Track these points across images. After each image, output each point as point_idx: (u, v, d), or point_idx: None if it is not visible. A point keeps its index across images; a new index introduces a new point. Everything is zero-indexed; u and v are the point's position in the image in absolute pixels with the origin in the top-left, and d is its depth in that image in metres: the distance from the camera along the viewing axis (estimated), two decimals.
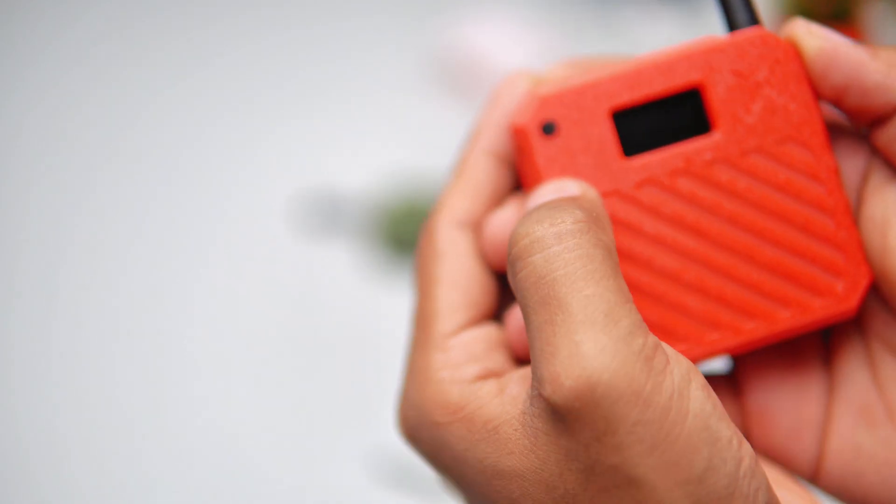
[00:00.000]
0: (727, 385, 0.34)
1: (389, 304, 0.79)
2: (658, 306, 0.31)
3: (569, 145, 0.31)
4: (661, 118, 0.31)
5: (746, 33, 0.31)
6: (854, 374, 0.33)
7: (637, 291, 0.31)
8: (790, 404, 0.33)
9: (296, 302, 0.80)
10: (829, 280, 0.31)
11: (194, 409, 0.75)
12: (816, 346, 0.34)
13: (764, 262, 0.31)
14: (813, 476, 0.34)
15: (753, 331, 0.31)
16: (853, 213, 0.32)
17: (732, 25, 0.32)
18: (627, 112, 0.31)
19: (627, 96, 0.31)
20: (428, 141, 0.89)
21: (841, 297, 0.31)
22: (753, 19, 0.32)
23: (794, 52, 0.31)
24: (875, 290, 0.33)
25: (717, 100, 0.31)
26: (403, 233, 0.80)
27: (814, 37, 0.31)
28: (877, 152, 0.32)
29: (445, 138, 0.89)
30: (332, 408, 0.74)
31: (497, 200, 0.32)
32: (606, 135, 0.31)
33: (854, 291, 0.31)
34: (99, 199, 0.88)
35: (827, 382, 0.33)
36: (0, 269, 0.84)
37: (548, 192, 0.30)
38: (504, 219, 0.31)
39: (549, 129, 0.31)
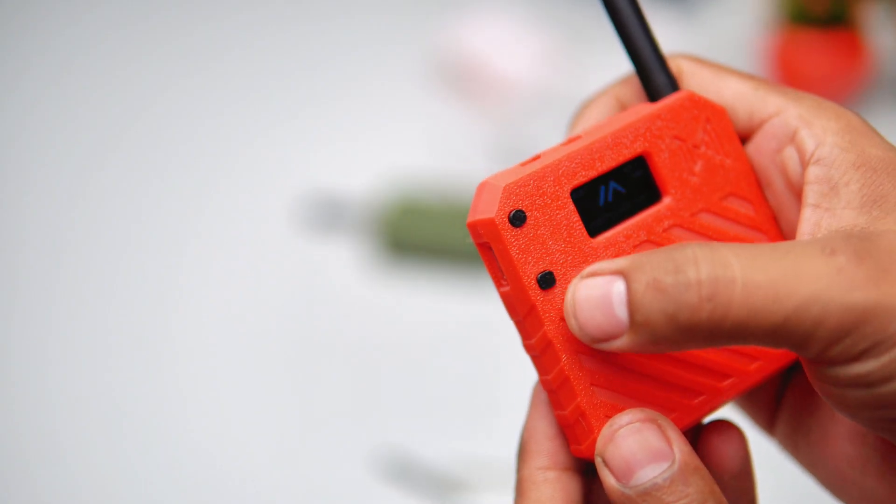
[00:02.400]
0: None
1: (390, 304, 0.79)
2: (647, 383, 0.31)
3: (539, 233, 0.30)
4: (615, 191, 0.32)
5: (678, 97, 0.32)
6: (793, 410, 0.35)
7: (624, 371, 0.31)
8: (735, 438, 0.34)
9: (297, 301, 0.80)
10: None
11: (195, 407, 0.75)
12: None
13: None
14: (769, 432, 0.36)
15: (730, 389, 0.32)
16: None
17: (655, 93, 0.33)
18: (585, 190, 0.31)
19: (583, 174, 0.31)
20: (430, 142, 0.89)
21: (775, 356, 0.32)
22: (673, 83, 0.33)
23: (720, 112, 0.32)
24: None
25: (664, 166, 0.32)
26: (405, 233, 0.80)
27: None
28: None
29: (447, 139, 0.89)
30: (332, 407, 0.74)
31: None
32: (570, 216, 0.31)
33: None
34: (101, 199, 0.88)
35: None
36: (0, 269, 0.84)
37: (643, 464, 0.29)
38: None
39: (517, 218, 0.30)
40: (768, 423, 0.36)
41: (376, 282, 0.81)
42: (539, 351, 0.31)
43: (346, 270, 0.81)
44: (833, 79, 0.87)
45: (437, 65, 0.95)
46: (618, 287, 0.28)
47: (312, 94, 0.94)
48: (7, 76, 0.97)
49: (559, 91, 0.91)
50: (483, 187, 0.31)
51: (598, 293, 0.28)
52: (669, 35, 0.93)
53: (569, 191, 0.31)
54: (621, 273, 0.28)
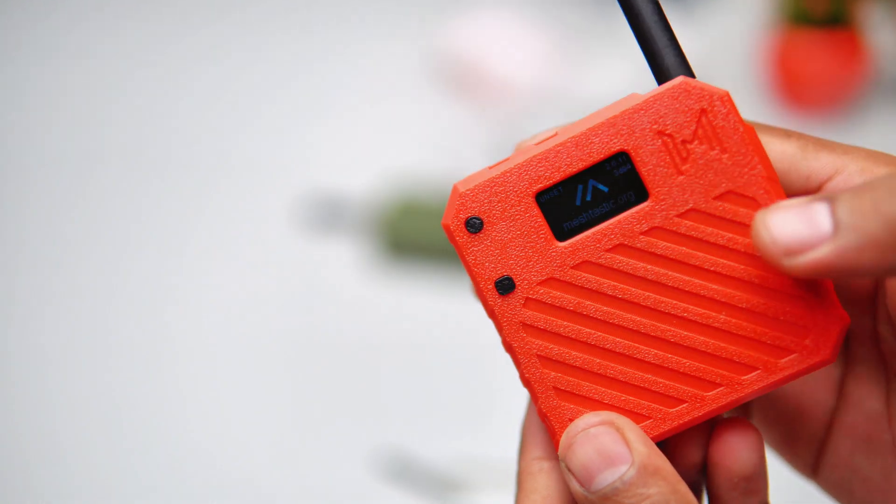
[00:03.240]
0: None
1: (390, 304, 0.79)
2: (616, 387, 0.30)
3: (497, 238, 0.30)
4: (588, 193, 0.30)
5: (668, 86, 0.29)
6: (865, 402, 0.32)
7: (591, 375, 0.30)
8: (790, 418, 0.33)
9: (297, 301, 0.80)
10: (795, 334, 0.29)
11: (195, 407, 0.75)
12: (835, 367, 0.33)
13: (720, 328, 0.30)
14: (810, 477, 0.34)
15: (717, 398, 0.30)
16: None
17: (659, 76, 0.30)
18: (552, 193, 0.30)
19: (550, 176, 0.30)
20: (430, 141, 0.89)
21: (812, 350, 0.29)
22: (681, 65, 0.30)
23: (720, 97, 0.29)
24: None
25: (644, 165, 0.30)
26: (405, 233, 0.80)
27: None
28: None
29: (447, 139, 0.89)
30: (332, 407, 0.74)
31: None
32: (534, 220, 0.30)
33: (825, 342, 0.29)
34: (100, 199, 0.88)
35: (832, 404, 0.33)
36: (0, 268, 0.84)
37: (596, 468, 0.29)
38: None
39: (473, 224, 0.30)
40: (811, 467, 0.34)
41: (376, 282, 0.81)
42: (506, 350, 0.31)
43: (346, 270, 0.81)
44: (833, 79, 0.87)
45: (437, 64, 0.95)
46: (818, 205, 0.27)
47: (312, 94, 0.94)
48: (7, 76, 0.97)
49: (559, 91, 0.91)
50: (453, 190, 0.31)
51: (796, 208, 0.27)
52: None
53: (533, 194, 0.30)
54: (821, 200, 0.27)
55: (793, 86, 0.88)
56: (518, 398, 0.74)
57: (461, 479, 0.69)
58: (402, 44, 0.97)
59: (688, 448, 0.32)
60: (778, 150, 0.30)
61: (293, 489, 0.70)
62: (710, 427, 0.32)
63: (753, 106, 0.90)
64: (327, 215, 0.84)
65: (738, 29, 0.94)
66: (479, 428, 0.72)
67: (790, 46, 0.87)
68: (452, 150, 0.88)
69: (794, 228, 0.27)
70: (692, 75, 0.30)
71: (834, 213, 0.27)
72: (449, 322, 0.77)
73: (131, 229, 0.86)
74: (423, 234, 0.80)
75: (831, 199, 0.27)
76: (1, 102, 0.95)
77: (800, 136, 0.31)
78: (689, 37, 0.93)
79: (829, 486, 0.34)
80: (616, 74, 0.91)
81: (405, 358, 0.76)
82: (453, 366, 0.76)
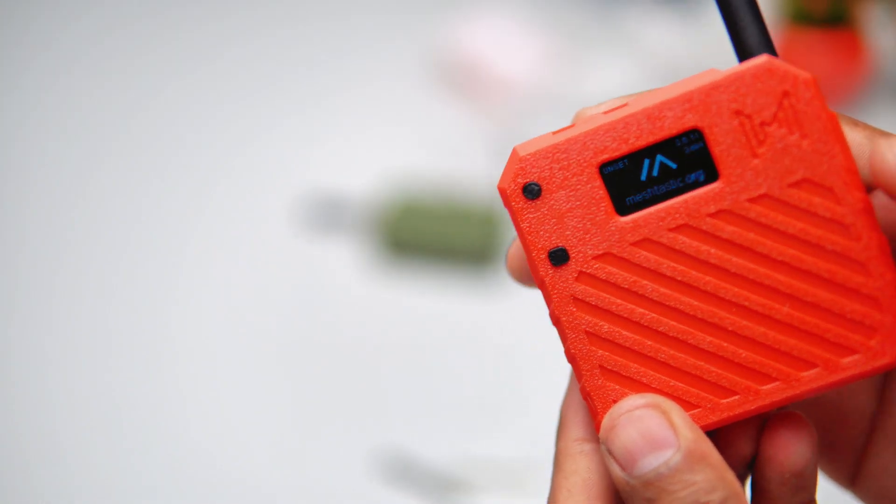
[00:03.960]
0: None
1: (390, 304, 0.79)
2: (665, 372, 0.29)
3: (555, 207, 0.29)
4: (655, 169, 0.29)
5: (751, 64, 0.28)
6: None
7: (640, 357, 0.29)
8: (830, 423, 0.32)
9: (297, 301, 0.80)
10: (861, 333, 0.28)
11: (195, 408, 0.75)
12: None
13: (782, 320, 0.28)
14: (848, 487, 0.33)
15: (772, 393, 0.29)
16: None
17: (741, 53, 0.29)
18: (617, 165, 0.29)
19: (616, 148, 0.29)
20: (430, 141, 0.89)
21: (876, 352, 0.28)
22: (766, 44, 0.29)
23: (806, 81, 0.28)
24: None
25: (718, 144, 0.28)
26: (405, 233, 0.80)
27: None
28: None
29: (447, 138, 0.89)
30: (332, 407, 0.74)
31: (610, 492, 0.29)
32: (596, 192, 0.29)
33: (891, 344, 0.28)
34: (100, 199, 0.88)
35: (871, 409, 0.32)
36: (0, 268, 0.84)
37: (643, 454, 0.27)
38: None
39: (531, 190, 0.29)
40: (849, 477, 0.33)
41: (376, 282, 0.81)
42: (554, 323, 0.30)
43: (346, 270, 0.81)
44: (833, 79, 0.87)
45: (438, 65, 0.95)
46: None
47: (313, 94, 0.94)
48: (7, 76, 0.97)
49: (559, 91, 0.90)
50: (512, 153, 0.29)
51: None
52: (670, 35, 0.93)
53: (597, 165, 0.29)
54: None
55: None
56: (518, 398, 0.74)
57: (461, 479, 0.68)
58: (402, 44, 0.97)
59: (737, 440, 0.30)
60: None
61: (293, 490, 0.70)
62: (762, 420, 0.31)
63: None
64: (327, 215, 0.84)
65: None
66: (480, 428, 0.72)
67: (790, 46, 0.87)
68: (452, 150, 0.88)
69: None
70: (775, 55, 0.29)
71: None
72: (449, 322, 0.77)
73: (131, 229, 0.86)
74: (424, 234, 0.80)
75: None
76: (1, 102, 0.95)
77: (866, 127, 0.30)
78: (690, 36, 0.93)
79: (868, 497, 0.32)
80: (616, 74, 0.91)
81: (405, 358, 0.76)
82: (454, 366, 0.76)
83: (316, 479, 0.71)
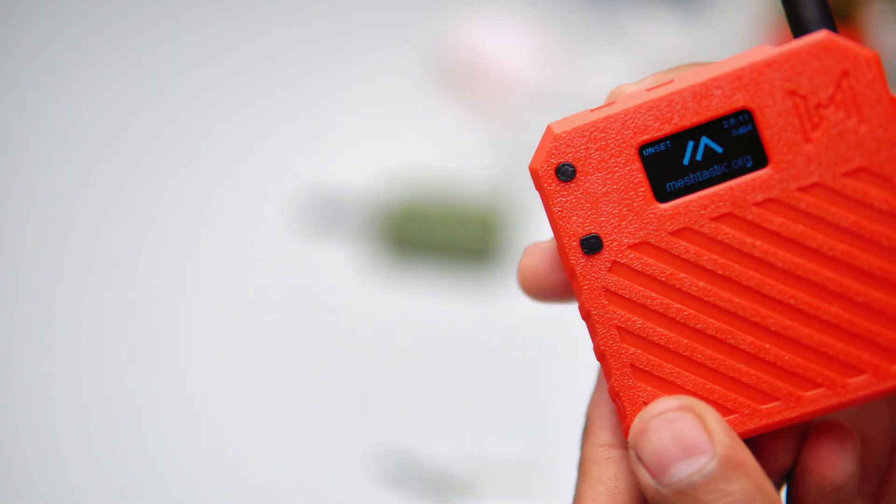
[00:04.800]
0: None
1: (390, 303, 0.79)
2: (702, 373, 0.27)
3: (590, 190, 0.27)
4: (699, 152, 0.27)
5: (807, 41, 0.26)
6: None
7: (675, 356, 0.27)
8: (849, 446, 0.30)
9: (296, 301, 0.80)
10: None
11: (194, 408, 0.75)
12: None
13: (829, 321, 0.26)
14: None
15: (815, 400, 0.26)
16: None
17: (797, 28, 0.27)
18: (658, 147, 0.27)
19: (657, 128, 0.27)
20: (430, 140, 0.89)
21: None
22: (825, 20, 0.26)
23: (868, 60, 0.25)
24: None
25: (768, 127, 0.26)
26: (404, 233, 0.80)
27: None
28: None
29: (447, 138, 0.89)
30: (331, 408, 0.74)
31: (637, 499, 0.27)
32: (634, 175, 0.27)
33: None
34: (98, 198, 0.88)
35: (895, 427, 0.30)
36: (0, 269, 0.84)
37: (673, 457, 0.25)
38: None
39: (565, 172, 0.27)
40: (872, 497, 0.31)
41: (376, 281, 0.81)
42: (583, 316, 0.28)
43: (346, 270, 0.81)
44: None
45: (437, 63, 0.94)
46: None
47: (312, 94, 0.94)
48: (7, 77, 0.97)
49: (559, 90, 0.90)
50: (546, 131, 0.27)
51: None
52: (672, 34, 0.93)
53: (636, 146, 0.27)
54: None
55: None
56: (518, 399, 0.74)
57: (461, 479, 0.68)
58: (402, 43, 0.96)
59: (776, 449, 0.28)
60: None
61: (293, 490, 0.70)
62: (805, 429, 0.29)
63: None
64: (327, 215, 0.83)
65: (741, 27, 0.94)
66: (479, 428, 0.71)
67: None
68: (452, 149, 0.88)
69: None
70: (835, 31, 0.26)
71: None
72: (449, 322, 0.77)
73: (131, 229, 0.85)
74: (424, 233, 0.80)
75: None
76: (2, 102, 0.95)
77: None
78: (693, 35, 0.93)
79: None
80: (616, 73, 0.90)
81: (406, 358, 0.76)
82: (453, 366, 0.75)
83: (316, 479, 0.70)
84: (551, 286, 0.30)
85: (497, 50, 0.91)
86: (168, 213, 0.86)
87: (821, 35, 0.26)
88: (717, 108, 0.26)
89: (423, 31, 0.96)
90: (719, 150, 0.27)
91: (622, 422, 0.28)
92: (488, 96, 0.91)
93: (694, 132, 0.27)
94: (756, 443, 0.28)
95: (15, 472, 0.73)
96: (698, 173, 0.27)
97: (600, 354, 0.28)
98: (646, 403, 0.27)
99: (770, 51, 0.26)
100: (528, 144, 0.84)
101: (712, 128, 0.26)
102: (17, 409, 0.76)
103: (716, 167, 0.27)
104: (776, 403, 0.27)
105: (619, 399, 0.28)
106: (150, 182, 0.89)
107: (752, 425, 0.27)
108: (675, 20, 0.94)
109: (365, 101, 0.93)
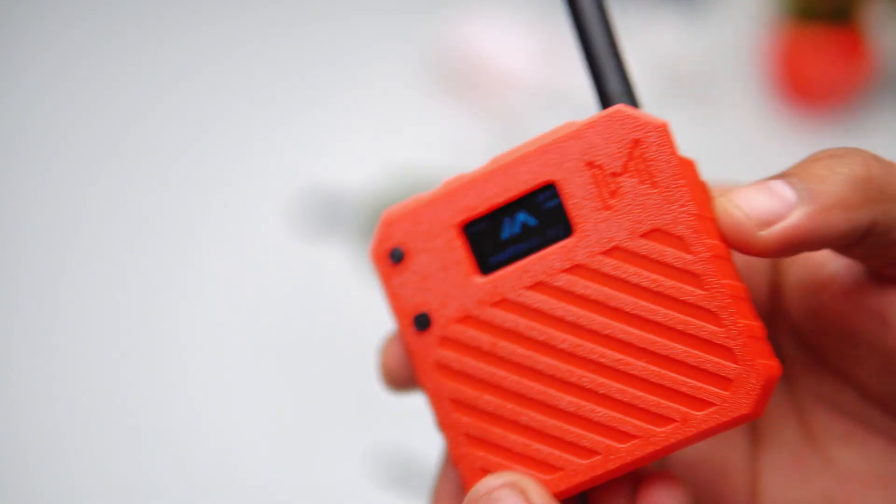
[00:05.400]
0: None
1: None
2: (528, 435, 0.28)
3: (418, 270, 0.29)
4: (517, 226, 0.28)
5: (602, 114, 0.28)
6: (783, 432, 0.31)
7: (502, 422, 0.29)
8: (714, 475, 0.32)
9: (295, 301, 0.80)
10: (716, 385, 0.27)
11: (194, 408, 0.75)
12: None
13: (639, 374, 0.28)
14: None
15: (631, 451, 0.28)
16: (752, 300, 0.28)
17: (602, 101, 0.28)
18: (479, 225, 0.28)
19: (476, 207, 0.28)
20: (428, 140, 0.89)
21: (732, 404, 0.27)
22: (625, 91, 0.28)
23: (656, 128, 0.27)
24: (805, 344, 0.30)
25: (571, 197, 0.28)
26: None
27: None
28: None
29: (446, 138, 0.89)
30: (331, 408, 0.74)
31: None
32: (457, 253, 0.28)
33: (747, 395, 0.27)
34: (97, 199, 0.88)
35: (752, 446, 0.32)
36: (0, 269, 0.84)
37: None
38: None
39: (396, 255, 0.29)
40: None
41: (374, 281, 0.81)
42: (421, 389, 0.30)
43: (347, 270, 0.81)
44: (836, 77, 0.87)
45: (438, 63, 0.94)
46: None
47: (312, 94, 0.94)
48: (7, 77, 0.97)
49: (558, 89, 0.90)
50: (380, 217, 0.29)
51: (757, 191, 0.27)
52: (672, 35, 0.93)
53: (458, 225, 0.28)
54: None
55: (796, 84, 0.88)
56: None
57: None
58: (402, 43, 0.97)
59: (612, 501, 0.30)
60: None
61: (294, 490, 0.70)
62: (636, 480, 0.30)
63: (756, 105, 0.90)
64: (326, 215, 0.83)
65: (740, 27, 0.94)
66: None
67: (793, 44, 0.87)
68: (452, 148, 0.88)
69: (762, 201, 0.26)
70: (636, 104, 0.28)
71: (793, 185, 0.26)
72: None
73: (130, 229, 0.85)
74: None
75: (784, 175, 0.27)
76: (2, 102, 0.95)
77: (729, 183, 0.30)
78: (693, 36, 0.93)
79: None
80: None
81: None
82: None
83: (316, 479, 0.70)
84: (408, 378, 0.31)
85: (496, 50, 0.91)
86: (168, 213, 0.86)
87: (615, 108, 0.27)
88: (526, 183, 0.28)
89: (423, 31, 0.96)
90: (534, 222, 0.28)
91: (464, 488, 0.29)
92: (488, 96, 0.91)
93: (510, 208, 0.28)
94: (594, 496, 0.30)
95: (15, 472, 0.73)
96: (517, 245, 0.28)
97: (439, 425, 0.29)
98: (482, 469, 0.29)
99: (573, 126, 0.28)
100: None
101: (527, 202, 0.28)
102: (17, 409, 0.76)
103: (532, 239, 0.28)
104: (597, 458, 0.28)
105: (458, 467, 0.29)
106: (149, 182, 0.89)
107: (575, 480, 0.28)
108: (675, 20, 0.94)
109: (365, 102, 0.93)
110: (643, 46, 0.93)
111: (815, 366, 0.31)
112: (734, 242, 0.27)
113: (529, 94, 0.90)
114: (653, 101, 0.91)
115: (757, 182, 0.27)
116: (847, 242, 0.27)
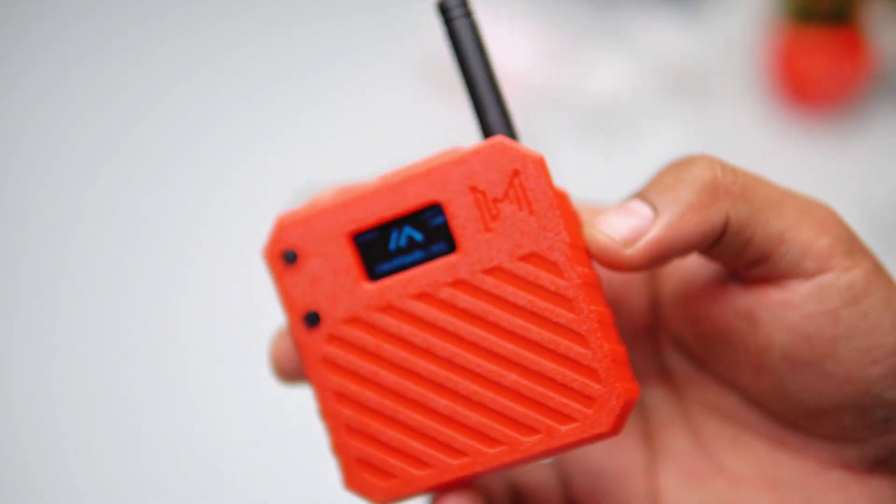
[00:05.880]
0: (553, 471, 0.34)
1: None
2: (403, 432, 0.31)
3: (310, 272, 0.31)
4: (403, 239, 0.31)
5: (485, 144, 0.30)
6: (675, 441, 0.33)
7: (376, 418, 0.31)
8: (614, 484, 0.33)
9: None
10: (579, 402, 0.29)
11: (194, 408, 0.75)
12: (635, 423, 0.34)
13: (509, 386, 0.30)
14: None
15: (498, 457, 0.30)
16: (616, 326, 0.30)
17: (483, 132, 0.31)
18: (368, 235, 0.31)
19: (364, 219, 0.31)
20: (427, 140, 0.89)
21: (594, 421, 0.29)
22: (505, 125, 0.31)
23: (534, 161, 0.29)
24: (687, 354, 0.33)
25: (455, 217, 0.30)
26: None
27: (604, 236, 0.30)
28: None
29: (444, 138, 0.89)
30: None
31: None
32: (347, 259, 0.31)
33: (608, 414, 0.29)
34: (98, 198, 0.88)
35: (648, 457, 0.34)
36: (0, 269, 0.84)
37: None
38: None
39: (289, 257, 0.31)
40: None
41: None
42: (308, 382, 0.32)
43: None
44: (835, 78, 0.87)
45: (436, 64, 0.94)
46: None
47: (311, 95, 0.94)
48: (7, 77, 0.97)
49: (559, 91, 0.90)
50: (275, 221, 0.32)
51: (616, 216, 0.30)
52: (672, 35, 0.93)
53: (349, 234, 0.31)
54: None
55: (795, 85, 0.88)
56: None
57: None
58: (402, 43, 0.97)
59: None
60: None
61: (294, 489, 0.70)
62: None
63: (754, 106, 0.90)
64: None
65: (738, 27, 0.94)
66: None
67: (792, 45, 0.87)
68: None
69: (623, 223, 0.29)
70: (515, 136, 0.31)
71: (648, 201, 0.29)
72: None
73: (130, 230, 0.85)
74: None
75: (639, 195, 0.30)
76: (2, 102, 0.95)
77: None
78: (691, 37, 0.93)
79: None
80: (616, 74, 0.90)
81: None
82: None
83: (317, 479, 0.71)
84: (297, 371, 0.34)
85: (497, 50, 0.91)
86: (168, 214, 0.86)
87: (496, 139, 0.30)
88: (412, 201, 0.30)
89: (422, 31, 0.96)
90: (420, 237, 0.31)
91: (343, 476, 0.32)
92: None
93: (398, 222, 0.31)
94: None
95: (15, 472, 0.73)
96: (403, 257, 0.31)
97: (322, 415, 0.32)
98: (359, 459, 0.31)
99: (458, 152, 0.30)
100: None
101: (414, 218, 0.30)
102: (17, 409, 0.76)
103: (417, 252, 0.31)
104: (465, 459, 0.30)
105: (337, 456, 0.32)
106: (149, 182, 0.89)
107: (443, 478, 0.30)
108: (675, 21, 0.94)
109: (364, 102, 0.93)
110: (643, 46, 0.93)
111: (699, 375, 0.33)
112: (606, 263, 0.29)
113: (530, 96, 0.90)
114: (652, 101, 0.91)
115: (617, 205, 0.30)
116: (708, 244, 0.29)
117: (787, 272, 0.29)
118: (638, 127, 0.89)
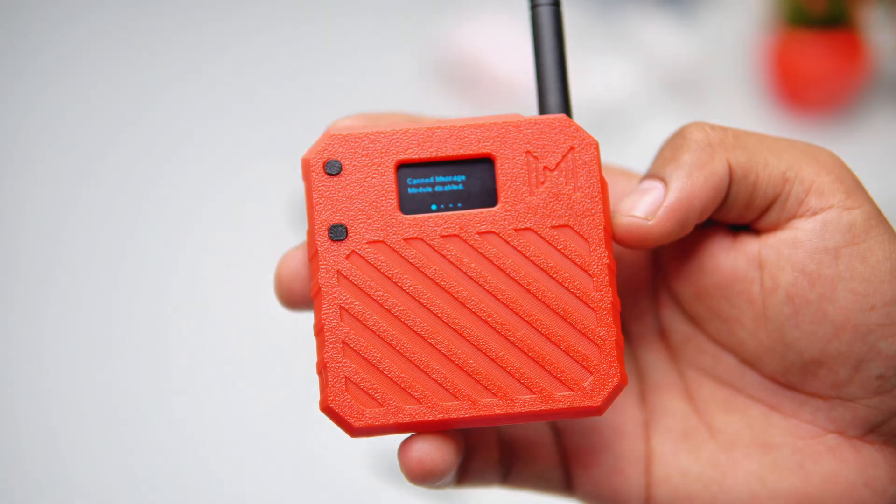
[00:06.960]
0: (550, 428, 0.35)
1: None
2: (396, 362, 0.31)
3: (349, 187, 0.32)
4: (446, 181, 0.32)
5: (549, 117, 0.32)
6: (669, 403, 0.34)
7: (376, 341, 0.31)
8: (608, 441, 0.34)
9: None
10: (577, 373, 0.31)
11: (194, 408, 0.75)
12: (631, 383, 0.35)
13: (516, 341, 0.31)
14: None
15: (489, 407, 0.31)
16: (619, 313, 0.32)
17: (543, 108, 0.33)
18: (413, 168, 0.32)
19: (416, 152, 0.32)
20: None
21: (586, 393, 0.30)
22: (565, 107, 0.33)
23: (591, 144, 0.32)
24: (685, 314, 0.34)
25: (504, 174, 0.31)
26: None
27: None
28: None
29: None
30: None
31: None
32: (387, 185, 0.32)
33: (601, 390, 0.31)
34: (98, 198, 0.88)
35: (643, 417, 0.35)
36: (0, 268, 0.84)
37: None
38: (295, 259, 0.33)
39: (332, 167, 0.32)
40: (644, 492, 0.35)
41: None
42: (313, 295, 0.32)
43: None
44: (832, 79, 0.87)
45: (437, 65, 0.95)
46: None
47: (311, 94, 0.94)
48: (7, 77, 0.97)
49: None
50: (325, 131, 0.32)
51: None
52: (670, 35, 0.93)
53: (395, 162, 0.32)
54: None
55: (791, 86, 0.88)
56: None
57: None
58: (401, 44, 0.97)
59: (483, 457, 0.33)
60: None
61: (293, 489, 0.70)
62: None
63: (752, 107, 0.90)
64: None
65: (736, 29, 0.94)
66: None
67: (789, 47, 0.87)
68: None
69: (640, 200, 0.31)
70: (571, 118, 0.33)
71: (656, 176, 0.31)
72: None
73: (129, 230, 0.85)
74: None
75: (646, 175, 0.32)
76: (2, 102, 0.95)
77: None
78: (689, 38, 0.93)
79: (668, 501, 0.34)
80: (616, 74, 0.91)
81: None
82: None
83: (317, 478, 0.71)
84: (302, 293, 0.34)
85: (496, 51, 0.92)
86: (167, 213, 0.86)
87: (561, 116, 0.32)
88: (467, 148, 0.32)
89: (423, 32, 0.97)
90: (463, 181, 0.32)
91: (321, 393, 0.32)
92: (487, 97, 0.92)
93: (446, 164, 0.32)
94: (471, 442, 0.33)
95: (15, 472, 0.73)
96: (443, 198, 0.32)
97: (318, 329, 0.32)
98: (346, 378, 0.31)
99: (521, 117, 0.32)
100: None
101: (461, 163, 0.32)
102: (17, 409, 0.76)
103: (459, 196, 0.32)
104: (455, 402, 0.31)
105: (324, 372, 0.31)
106: (149, 182, 0.89)
107: (430, 417, 0.31)
108: (673, 23, 0.94)
109: (364, 102, 0.93)
110: (640, 48, 0.93)
111: (696, 336, 0.34)
112: (634, 241, 0.31)
113: (530, 96, 0.91)
114: (650, 102, 0.91)
115: (631, 191, 0.32)
116: (720, 196, 0.31)
117: (794, 211, 0.31)
118: (636, 128, 0.89)
